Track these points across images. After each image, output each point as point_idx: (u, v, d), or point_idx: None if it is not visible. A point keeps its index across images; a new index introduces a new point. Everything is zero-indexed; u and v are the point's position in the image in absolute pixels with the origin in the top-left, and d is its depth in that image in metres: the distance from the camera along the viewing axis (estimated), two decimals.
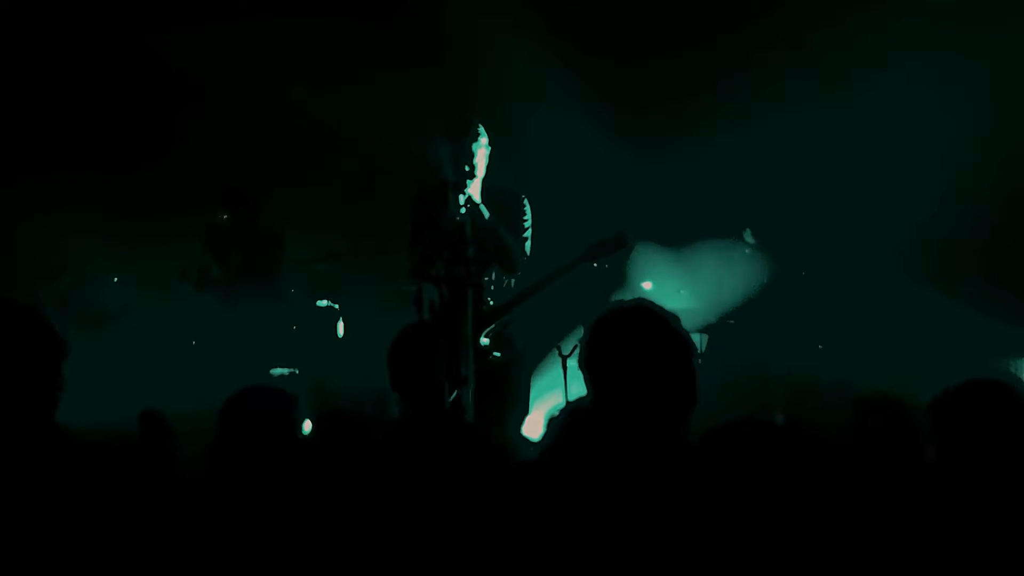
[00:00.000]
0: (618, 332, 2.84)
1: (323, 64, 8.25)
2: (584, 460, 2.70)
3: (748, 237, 7.58)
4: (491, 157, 5.69)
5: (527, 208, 5.75)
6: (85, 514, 3.09)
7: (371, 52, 8.28)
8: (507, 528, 2.70)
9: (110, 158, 8.47)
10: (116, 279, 7.76)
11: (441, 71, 8.17)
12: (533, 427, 5.88)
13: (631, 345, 2.80)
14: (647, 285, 7.27)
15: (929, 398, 3.08)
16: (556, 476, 2.71)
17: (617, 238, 5.64)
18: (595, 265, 5.62)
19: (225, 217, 7.36)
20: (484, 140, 5.63)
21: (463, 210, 5.52)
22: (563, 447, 2.78)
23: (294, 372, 6.97)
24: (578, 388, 5.98)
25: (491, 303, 5.63)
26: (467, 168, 5.54)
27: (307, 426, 7.04)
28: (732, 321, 7.06)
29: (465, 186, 5.53)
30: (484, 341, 5.51)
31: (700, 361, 2.89)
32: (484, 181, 5.67)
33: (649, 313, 2.88)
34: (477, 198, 5.58)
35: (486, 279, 5.63)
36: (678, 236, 7.56)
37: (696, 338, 4.82)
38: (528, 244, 5.73)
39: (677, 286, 7.17)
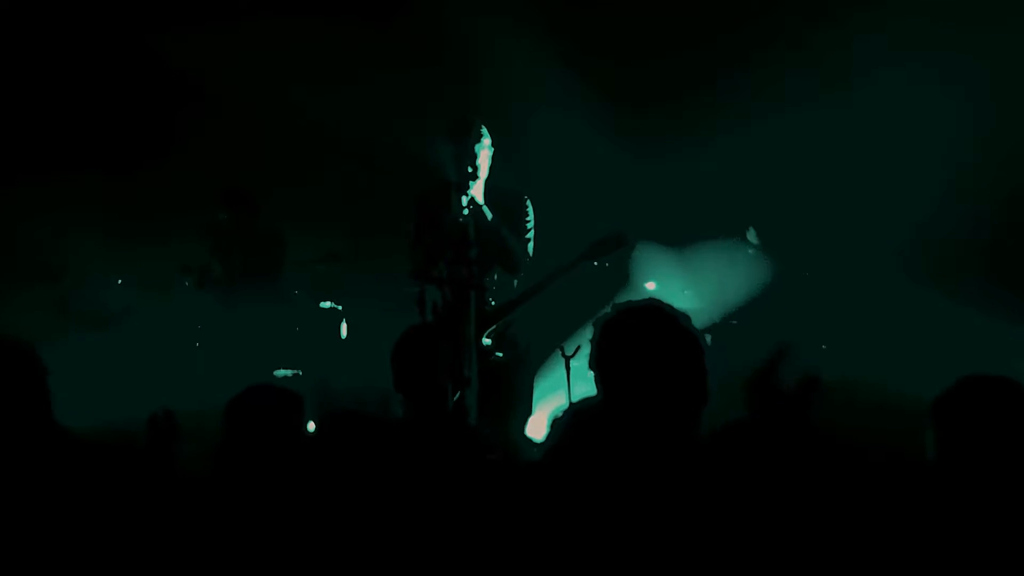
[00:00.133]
0: (629, 331, 2.84)
1: (323, 64, 8.25)
2: (594, 459, 2.70)
3: (752, 237, 7.58)
4: (493, 158, 5.70)
5: (530, 209, 5.76)
6: (86, 513, 3.09)
7: (371, 52, 8.28)
8: (515, 528, 2.71)
9: (111, 158, 8.46)
10: (120, 280, 7.75)
11: (441, 71, 8.16)
12: (536, 428, 5.89)
13: (642, 344, 2.81)
14: (651, 285, 7.27)
15: (931, 398, 3.08)
16: (565, 476, 2.71)
17: (617, 237, 5.64)
18: (595, 264, 5.63)
19: (225, 217, 7.36)
20: (487, 141, 5.63)
21: (466, 211, 5.53)
22: (570, 447, 2.79)
23: (297, 373, 6.97)
24: (582, 389, 6.01)
25: (493, 304, 5.63)
26: (470, 169, 5.55)
27: (311, 427, 7.05)
28: (735, 321, 7.06)
29: (468, 187, 5.54)
30: (486, 342, 5.52)
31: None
32: (487, 182, 5.68)
33: (660, 312, 2.88)
34: (480, 199, 5.59)
35: (488, 280, 5.64)
36: (681, 236, 7.57)
37: None
38: (531, 245, 5.74)
39: (681, 286, 7.17)
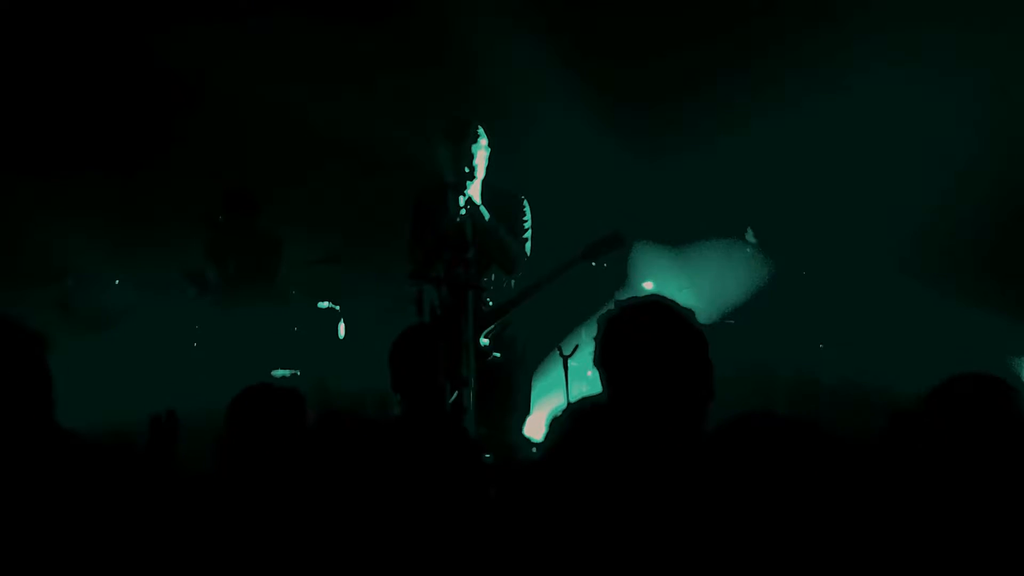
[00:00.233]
0: (635, 328, 2.84)
1: (323, 64, 8.25)
2: (599, 457, 2.70)
3: (750, 236, 7.58)
4: (491, 158, 5.70)
5: (527, 209, 5.77)
6: (85, 513, 3.09)
7: (371, 52, 8.27)
8: (517, 527, 2.70)
9: (111, 159, 8.46)
10: (117, 281, 7.75)
11: (441, 71, 8.16)
12: (535, 427, 5.89)
13: (648, 340, 2.80)
14: (648, 285, 7.26)
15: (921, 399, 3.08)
16: (568, 474, 2.70)
17: (613, 236, 5.65)
18: (593, 264, 5.63)
19: (223, 219, 7.37)
20: (484, 142, 5.64)
21: (463, 211, 5.53)
22: (572, 446, 2.78)
23: (295, 373, 6.97)
24: (579, 388, 6.02)
25: (491, 304, 5.63)
26: (467, 170, 5.56)
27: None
28: (733, 321, 7.06)
29: (465, 187, 5.55)
30: (484, 342, 5.52)
31: None
32: (484, 182, 5.69)
33: (665, 308, 2.88)
34: (477, 199, 5.60)
35: (486, 280, 5.64)
36: (679, 235, 7.56)
37: None
38: (528, 245, 5.74)
39: (678, 286, 7.16)
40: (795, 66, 7.53)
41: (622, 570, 2.57)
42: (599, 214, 6.81)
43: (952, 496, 2.83)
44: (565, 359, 5.57)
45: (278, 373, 6.93)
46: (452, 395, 4.64)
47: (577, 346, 5.68)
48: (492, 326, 5.58)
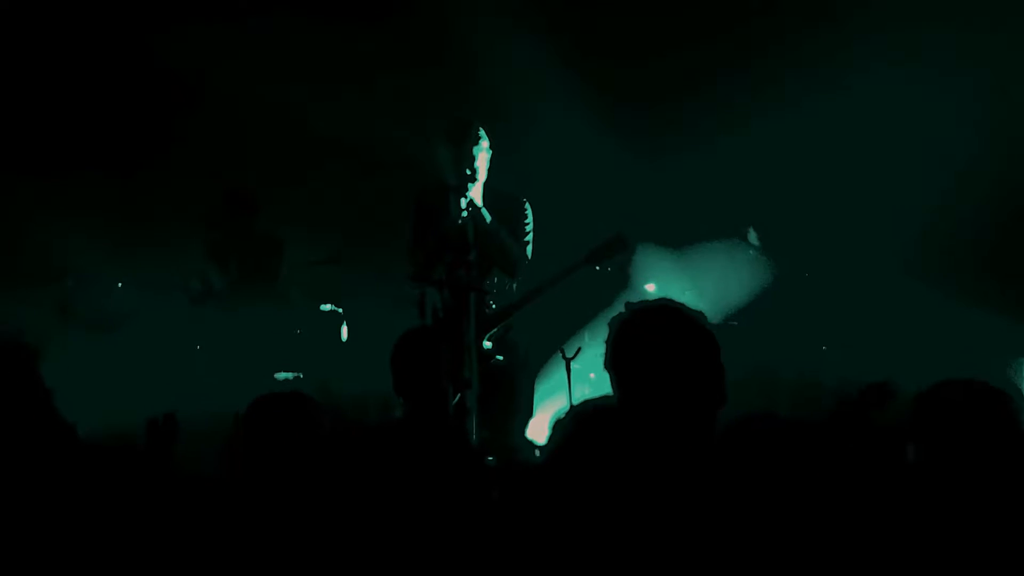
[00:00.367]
0: (647, 330, 2.84)
1: (323, 64, 8.24)
2: (607, 460, 2.70)
3: (752, 238, 7.58)
4: (492, 158, 5.69)
5: (528, 212, 5.76)
6: (87, 514, 3.10)
7: (371, 52, 8.27)
8: (523, 530, 2.70)
9: (112, 160, 8.45)
10: (120, 284, 7.74)
11: (441, 71, 8.15)
12: (537, 430, 5.89)
13: (661, 342, 2.81)
14: (651, 287, 7.26)
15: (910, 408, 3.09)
16: (575, 477, 2.70)
17: (616, 239, 5.64)
18: (597, 269, 5.63)
19: (223, 220, 7.36)
20: (485, 144, 5.63)
21: (464, 214, 5.52)
22: (577, 448, 2.78)
23: (298, 376, 6.97)
24: (582, 391, 6.01)
25: (493, 306, 5.63)
26: (468, 172, 5.55)
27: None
28: (736, 323, 7.06)
29: (466, 190, 5.54)
30: (487, 345, 5.52)
31: None
32: (485, 184, 5.68)
33: (676, 311, 2.88)
34: (479, 202, 5.59)
35: (488, 283, 5.63)
36: (682, 237, 7.56)
37: None
38: (529, 248, 5.74)
39: (681, 287, 7.16)
40: (795, 66, 7.53)
41: (627, 573, 2.57)
42: (600, 216, 6.81)
43: (942, 499, 2.84)
44: (568, 361, 5.56)
45: (281, 376, 6.93)
46: (455, 398, 4.64)
47: (580, 348, 5.67)
48: (495, 329, 5.58)
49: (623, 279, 7.07)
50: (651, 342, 2.82)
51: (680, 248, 7.52)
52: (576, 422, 2.87)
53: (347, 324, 7.35)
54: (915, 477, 2.99)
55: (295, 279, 7.52)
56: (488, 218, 5.58)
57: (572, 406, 3.82)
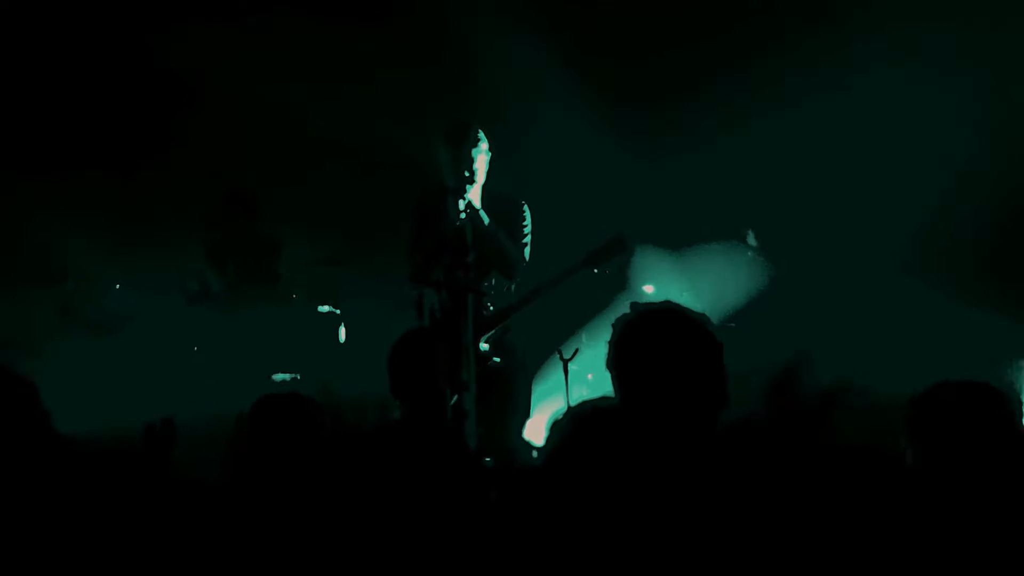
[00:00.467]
0: (652, 331, 2.85)
1: (323, 64, 8.24)
2: (607, 461, 2.70)
3: (750, 239, 7.57)
4: (491, 160, 5.69)
5: (527, 214, 5.76)
6: (86, 518, 3.10)
7: (371, 52, 8.27)
8: (521, 531, 2.70)
9: (111, 160, 8.46)
10: (118, 285, 7.75)
11: (441, 71, 8.15)
12: (535, 432, 5.89)
13: (666, 343, 2.81)
14: (649, 288, 7.26)
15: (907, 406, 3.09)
16: (574, 478, 2.70)
17: (615, 241, 5.64)
18: (595, 271, 5.62)
19: (222, 220, 7.37)
20: (484, 146, 5.63)
21: (463, 215, 5.52)
22: (575, 449, 2.78)
23: (296, 377, 6.97)
24: (580, 392, 6.01)
25: (491, 308, 5.63)
26: (467, 174, 5.54)
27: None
28: (733, 324, 7.06)
29: (465, 191, 5.54)
30: (484, 347, 5.51)
31: None
32: (484, 186, 5.68)
33: (681, 314, 2.89)
34: (477, 203, 5.59)
35: (486, 284, 5.63)
36: (680, 238, 7.56)
37: None
38: (527, 250, 5.73)
39: (679, 289, 7.16)
40: (795, 66, 7.52)
41: (624, 574, 2.58)
42: (599, 217, 6.81)
43: (940, 501, 2.84)
44: (565, 363, 5.56)
45: (279, 377, 6.93)
46: (452, 399, 4.64)
47: (577, 350, 5.67)
48: (492, 331, 5.57)
49: (621, 281, 7.07)
50: (655, 343, 2.83)
51: (678, 249, 7.52)
52: (574, 423, 2.87)
53: (345, 325, 7.35)
54: (913, 479, 2.98)
55: (294, 280, 7.53)
56: (486, 220, 5.57)
57: (570, 407, 3.82)
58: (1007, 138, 7.24)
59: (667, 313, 2.90)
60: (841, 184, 7.50)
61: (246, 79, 8.00)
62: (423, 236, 5.70)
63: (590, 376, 6.66)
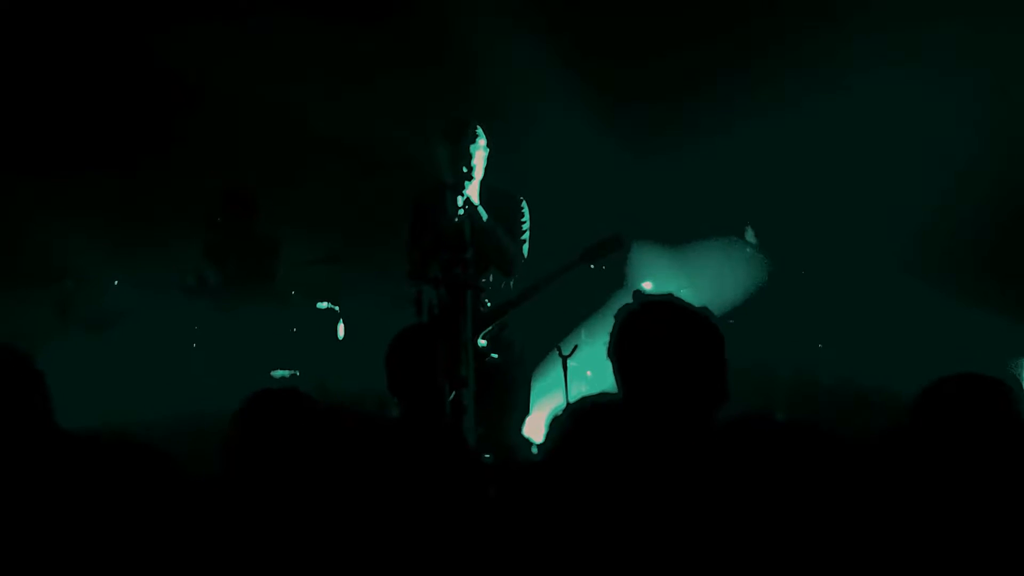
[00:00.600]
0: (655, 321, 2.85)
1: (322, 64, 8.25)
2: (604, 456, 2.70)
3: (749, 236, 7.58)
4: (490, 157, 5.69)
5: (525, 210, 5.76)
6: (88, 513, 3.09)
7: (371, 52, 8.27)
8: (519, 527, 2.70)
9: (111, 159, 8.46)
10: (116, 282, 7.76)
11: (441, 71, 8.16)
12: (534, 428, 5.89)
13: (667, 335, 2.82)
14: (647, 285, 7.26)
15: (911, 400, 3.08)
16: (573, 473, 2.70)
17: (613, 239, 5.64)
18: (592, 267, 5.62)
19: (221, 219, 7.37)
20: (482, 142, 5.63)
21: (461, 212, 5.52)
22: (575, 445, 2.78)
23: (295, 374, 6.97)
24: (579, 388, 6.01)
25: (488, 304, 5.63)
26: (465, 170, 5.54)
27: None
28: (732, 320, 7.06)
29: (463, 188, 5.54)
30: (482, 343, 5.51)
31: None
32: (483, 182, 5.68)
33: (684, 306, 2.90)
34: (475, 200, 5.59)
35: (484, 281, 5.63)
36: (678, 235, 7.56)
37: None
38: (526, 247, 5.74)
39: (678, 285, 7.16)
40: (795, 66, 7.52)
41: (624, 570, 2.57)
42: (598, 214, 6.82)
43: (945, 497, 2.83)
44: (564, 359, 5.57)
45: (278, 374, 6.93)
46: (450, 396, 4.63)
47: (576, 346, 5.68)
48: (490, 327, 5.57)
49: (619, 277, 7.07)
50: (657, 333, 2.83)
51: (677, 246, 7.52)
52: (574, 419, 2.87)
53: (343, 322, 7.35)
54: (916, 473, 2.97)
55: (293, 278, 7.53)
56: (485, 216, 5.58)
57: (569, 403, 3.81)
58: (1007, 138, 7.24)
59: (670, 305, 2.91)
60: (841, 184, 7.50)
61: (246, 79, 8.01)
62: (421, 233, 5.70)
63: (589, 373, 6.66)
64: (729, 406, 2.84)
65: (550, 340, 5.98)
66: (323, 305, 7.38)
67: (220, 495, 3.21)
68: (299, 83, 8.12)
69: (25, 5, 8.27)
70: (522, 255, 5.72)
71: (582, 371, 6.53)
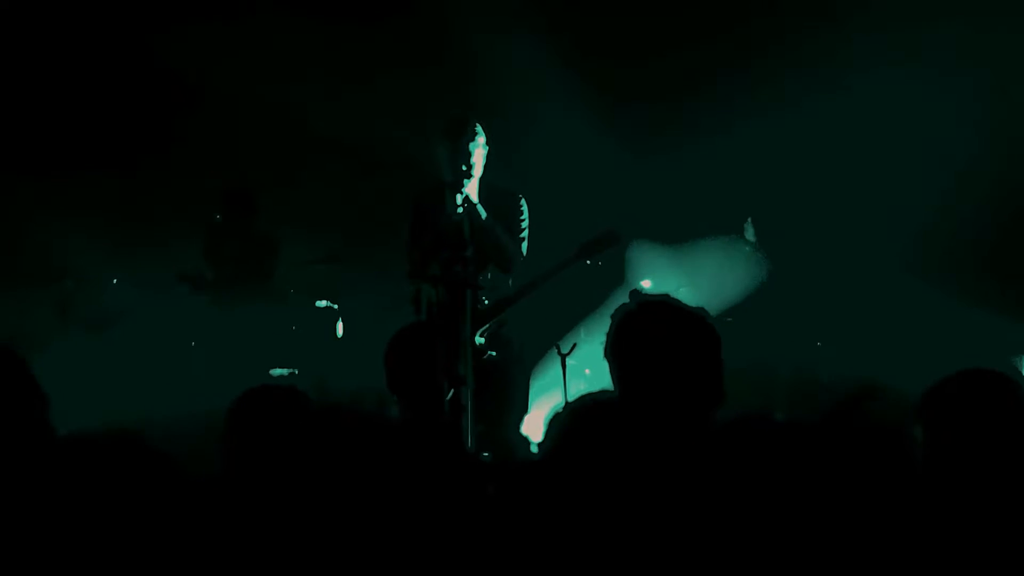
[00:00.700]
0: (652, 321, 2.86)
1: (323, 64, 8.25)
2: (605, 455, 2.69)
3: (749, 234, 7.57)
4: (490, 156, 5.68)
5: (524, 208, 5.75)
6: (86, 514, 3.09)
7: (370, 52, 8.28)
8: (518, 526, 2.69)
9: (111, 159, 8.46)
10: (115, 281, 7.76)
11: (441, 71, 8.16)
12: (533, 426, 5.88)
13: (663, 335, 2.82)
14: (646, 283, 7.25)
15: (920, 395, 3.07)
16: (572, 472, 2.69)
17: (608, 235, 5.63)
18: (588, 263, 5.61)
19: (220, 218, 7.38)
20: (481, 140, 5.62)
21: (460, 210, 5.52)
22: (574, 443, 2.77)
23: (294, 372, 6.98)
24: (578, 387, 6.00)
25: (485, 302, 5.61)
26: (464, 168, 5.53)
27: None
28: (731, 319, 7.05)
29: (462, 186, 5.53)
30: (480, 340, 5.50)
31: None
32: (482, 180, 5.66)
33: (679, 306, 2.90)
34: (475, 198, 5.58)
35: (482, 279, 5.62)
36: (677, 233, 7.56)
37: None
38: (525, 245, 5.73)
39: (676, 284, 7.16)
40: (795, 66, 7.52)
41: (623, 569, 2.57)
42: (598, 213, 6.81)
43: (953, 496, 2.83)
44: (563, 357, 5.56)
45: (276, 372, 6.93)
46: (449, 394, 4.63)
47: (575, 345, 5.67)
48: (487, 325, 5.56)
49: (619, 276, 7.07)
50: (653, 333, 2.83)
51: (677, 244, 7.52)
52: (573, 418, 2.87)
53: (342, 320, 7.35)
54: (923, 472, 2.96)
55: (293, 277, 7.53)
56: (484, 214, 5.57)
57: (568, 402, 3.81)
58: (1007, 138, 7.24)
59: (666, 305, 2.91)
60: (841, 183, 7.50)
61: (246, 79, 8.01)
62: (421, 233, 5.70)
63: (588, 371, 6.65)
64: (729, 405, 2.84)
65: (549, 339, 5.97)
66: (322, 304, 7.38)
67: (218, 494, 3.21)
68: (299, 83, 8.12)
69: (25, 5, 8.27)
70: (521, 253, 5.71)
71: (581, 369, 6.52)
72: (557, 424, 2.87)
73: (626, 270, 7.19)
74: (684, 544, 2.54)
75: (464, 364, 5.01)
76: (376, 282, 7.32)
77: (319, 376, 6.87)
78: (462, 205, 5.50)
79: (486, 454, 4.78)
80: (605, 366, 2.95)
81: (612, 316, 2.94)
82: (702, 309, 2.93)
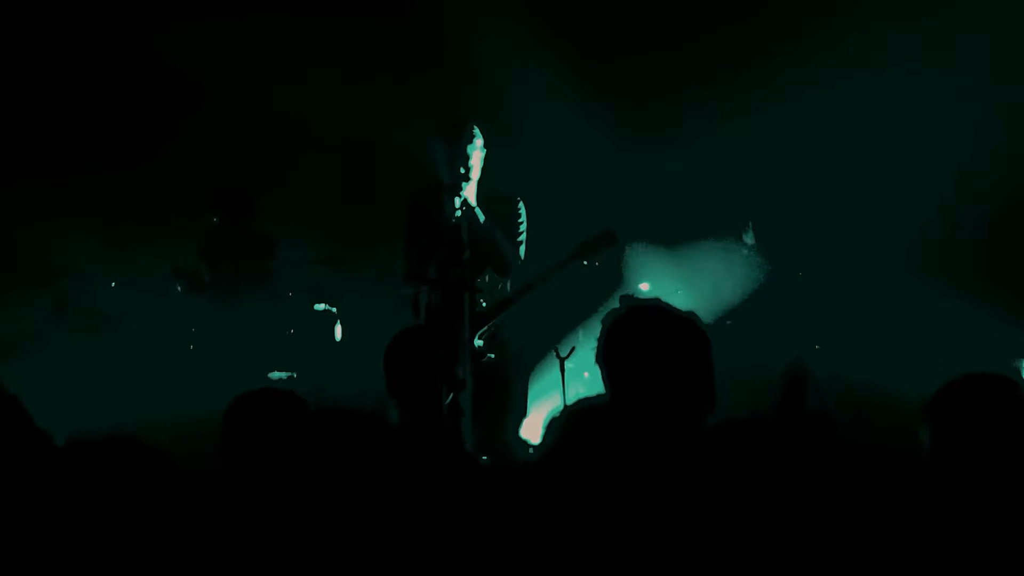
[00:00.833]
0: (642, 326, 2.86)
1: (323, 64, 8.25)
2: (599, 460, 2.70)
3: (748, 237, 7.57)
4: (490, 156, 5.68)
5: (522, 211, 5.75)
6: (85, 516, 3.08)
7: (370, 52, 8.27)
8: (515, 529, 2.69)
9: (109, 158, 8.46)
10: (114, 283, 7.76)
11: (441, 71, 8.15)
12: (531, 429, 5.88)
13: (653, 340, 2.83)
14: (644, 286, 7.25)
15: (928, 397, 3.06)
16: (569, 477, 2.69)
17: (605, 235, 5.63)
18: (585, 264, 5.61)
19: (216, 219, 7.37)
20: (479, 142, 5.61)
21: (458, 212, 5.51)
22: (571, 448, 2.78)
23: (292, 376, 6.97)
24: (576, 390, 6.00)
25: (483, 304, 5.61)
26: (462, 170, 5.53)
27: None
28: (730, 321, 7.05)
29: (460, 188, 5.52)
30: (478, 343, 5.50)
31: None
32: (480, 183, 5.66)
33: (670, 310, 2.91)
34: (472, 200, 5.57)
35: (480, 281, 5.62)
36: (676, 236, 7.56)
37: None
38: (523, 248, 5.72)
39: (675, 286, 7.16)
40: (794, 64, 7.51)
41: (620, 571, 2.57)
42: (596, 214, 6.80)
43: (959, 497, 2.82)
44: (561, 361, 5.56)
45: (275, 375, 6.93)
46: (448, 397, 4.63)
47: (573, 348, 5.67)
48: (486, 327, 5.56)
49: (616, 278, 7.07)
50: (644, 339, 2.84)
51: (675, 247, 7.51)
52: (571, 421, 2.87)
53: (341, 323, 7.35)
54: (928, 475, 2.96)
55: (291, 279, 7.53)
56: (482, 217, 5.56)
57: (566, 405, 3.81)
58: (1007, 138, 7.23)
59: (656, 309, 2.92)
60: (840, 183, 7.50)
61: (245, 77, 8.01)
62: (418, 234, 5.69)
63: (586, 374, 6.64)
64: (727, 407, 2.84)
65: (547, 341, 5.97)
66: (320, 307, 7.37)
67: (215, 495, 3.21)
68: (299, 82, 8.11)
69: (24, 5, 8.27)
70: (519, 257, 5.70)
71: (579, 372, 6.51)
72: (555, 428, 2.87)
73: (625, 272, 7.18)
74: (678, 546, 2.54)
75: (463, 367, 5.00)
76: (375, 285, 7.32)
77: (317, 379, 6.86)
78: (460, 208, 5.50)
79: (485, 457, 4.78)
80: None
81: (602, 322, 2.94)
82: (692, 313, 2.93)
